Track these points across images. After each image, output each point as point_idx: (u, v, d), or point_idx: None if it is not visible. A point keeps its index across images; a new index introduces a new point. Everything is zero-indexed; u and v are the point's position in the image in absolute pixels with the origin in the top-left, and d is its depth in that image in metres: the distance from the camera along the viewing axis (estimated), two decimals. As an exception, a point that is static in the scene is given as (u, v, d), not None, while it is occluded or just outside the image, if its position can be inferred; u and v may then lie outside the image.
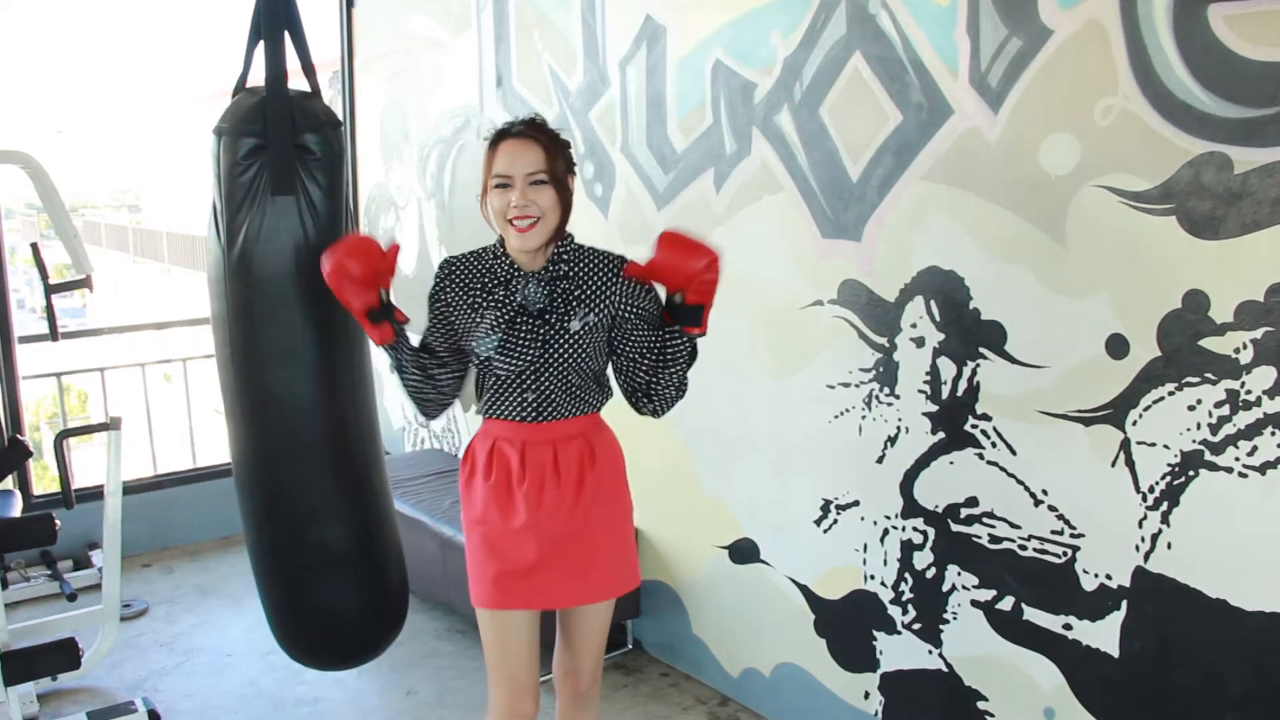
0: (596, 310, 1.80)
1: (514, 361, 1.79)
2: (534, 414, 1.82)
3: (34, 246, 3.14)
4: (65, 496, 3.08)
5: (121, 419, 2.84)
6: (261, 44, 1.88)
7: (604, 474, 1.87)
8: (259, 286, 1.90)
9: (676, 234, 1.77)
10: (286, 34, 1.90)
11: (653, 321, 1.82)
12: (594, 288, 1.81)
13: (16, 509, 2.96)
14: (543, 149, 1.74)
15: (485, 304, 1.81)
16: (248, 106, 1.88)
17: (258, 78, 1.90)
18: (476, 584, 1.89)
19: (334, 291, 1.78)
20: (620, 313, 1.81)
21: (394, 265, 1.80)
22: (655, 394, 1.85)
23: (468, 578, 1.92)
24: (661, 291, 1.85)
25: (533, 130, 1.76)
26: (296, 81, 1.93)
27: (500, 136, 1.78)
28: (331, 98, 4.49)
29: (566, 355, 1.79)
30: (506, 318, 1.79)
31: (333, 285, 1.76)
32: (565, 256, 1.82)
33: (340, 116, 4.39)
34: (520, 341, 1.78)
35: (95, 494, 3.44)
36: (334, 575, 2.06)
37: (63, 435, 2.95)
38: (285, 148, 1.86)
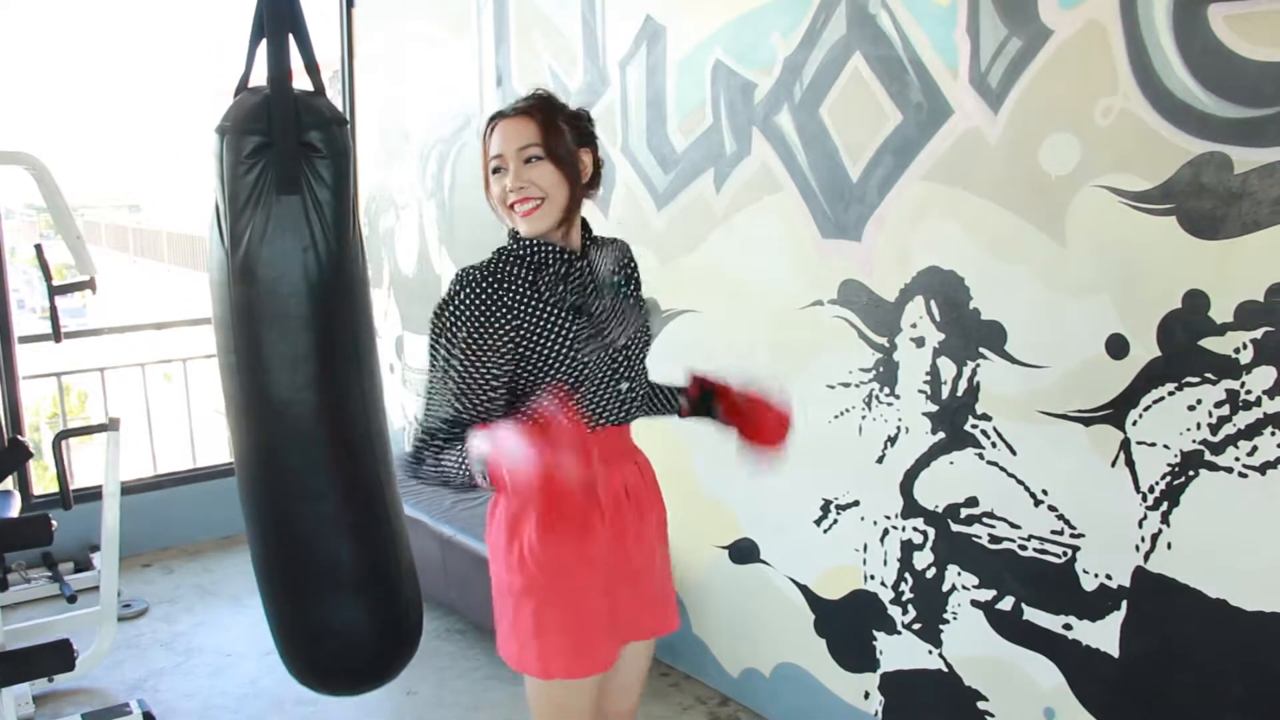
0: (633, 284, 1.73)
1: (609, 349, 1.62)
2: (624, 412, 1.66)
3: (38, 248, 3.15)
4: (63, 497, 3.07)
5: (120, 420, 2.85)
6: (264, 43, 1.84)
7: (654, 487, 1.80)
8: (263, 289, 1.84)
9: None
10: (290, 34, 1.86)
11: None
12: (621, 265, 1.73)
13: (15, 509, 2.96)
14: (536, 123, 1.55)
15: (564, 304, 1.58)
16: (251, 104, 1.84)
17: (259, 78, 1.87)
18: (577, 650, 1.61)
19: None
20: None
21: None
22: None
23: (542, 647, 1.61)
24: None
25: (527, 106, 1.58)
26: (300, 81, 1.90)
27: (495, 118, 1.61)
28: (331, 98, 4.49)
29: (643, 328, 1.70)
30: (589, 304, 1.61)
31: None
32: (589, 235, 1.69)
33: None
34: (611, 323, 1.63)
35: (96, 494, 3.43)
36: (346, 596, 1.99)
37: (61, 436, 2.95)
38: (291, 145, 1.82)
